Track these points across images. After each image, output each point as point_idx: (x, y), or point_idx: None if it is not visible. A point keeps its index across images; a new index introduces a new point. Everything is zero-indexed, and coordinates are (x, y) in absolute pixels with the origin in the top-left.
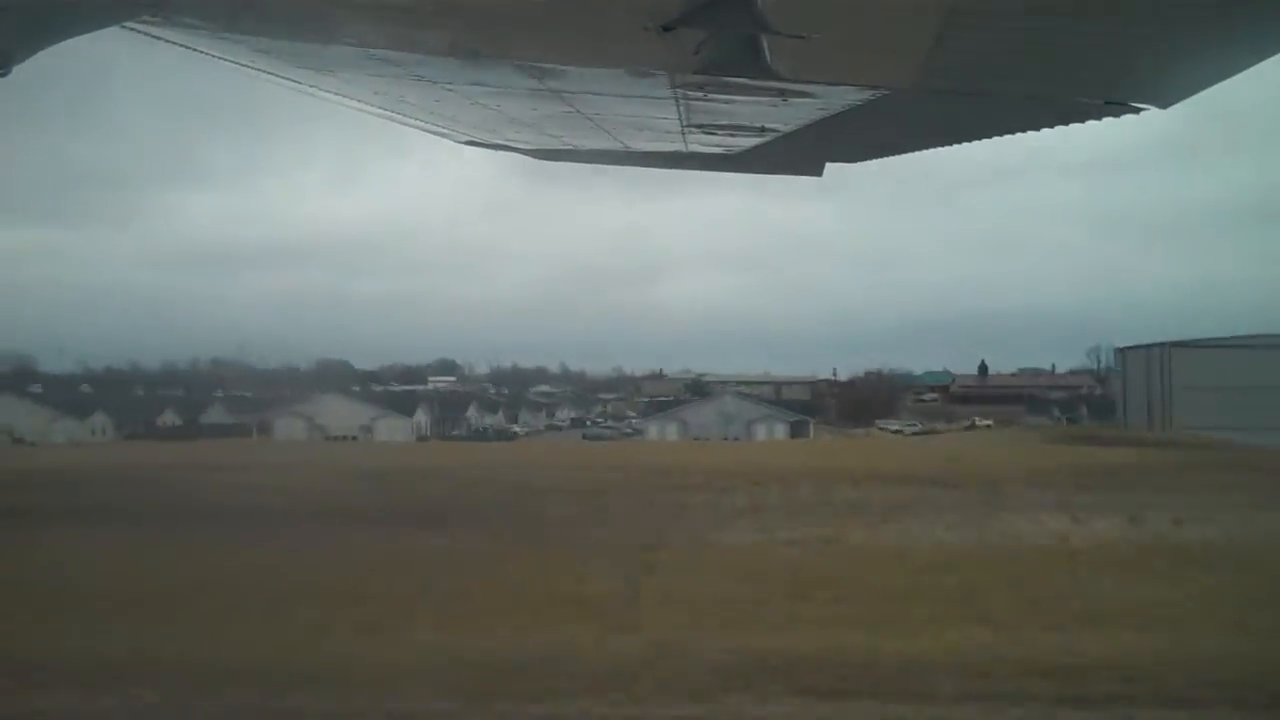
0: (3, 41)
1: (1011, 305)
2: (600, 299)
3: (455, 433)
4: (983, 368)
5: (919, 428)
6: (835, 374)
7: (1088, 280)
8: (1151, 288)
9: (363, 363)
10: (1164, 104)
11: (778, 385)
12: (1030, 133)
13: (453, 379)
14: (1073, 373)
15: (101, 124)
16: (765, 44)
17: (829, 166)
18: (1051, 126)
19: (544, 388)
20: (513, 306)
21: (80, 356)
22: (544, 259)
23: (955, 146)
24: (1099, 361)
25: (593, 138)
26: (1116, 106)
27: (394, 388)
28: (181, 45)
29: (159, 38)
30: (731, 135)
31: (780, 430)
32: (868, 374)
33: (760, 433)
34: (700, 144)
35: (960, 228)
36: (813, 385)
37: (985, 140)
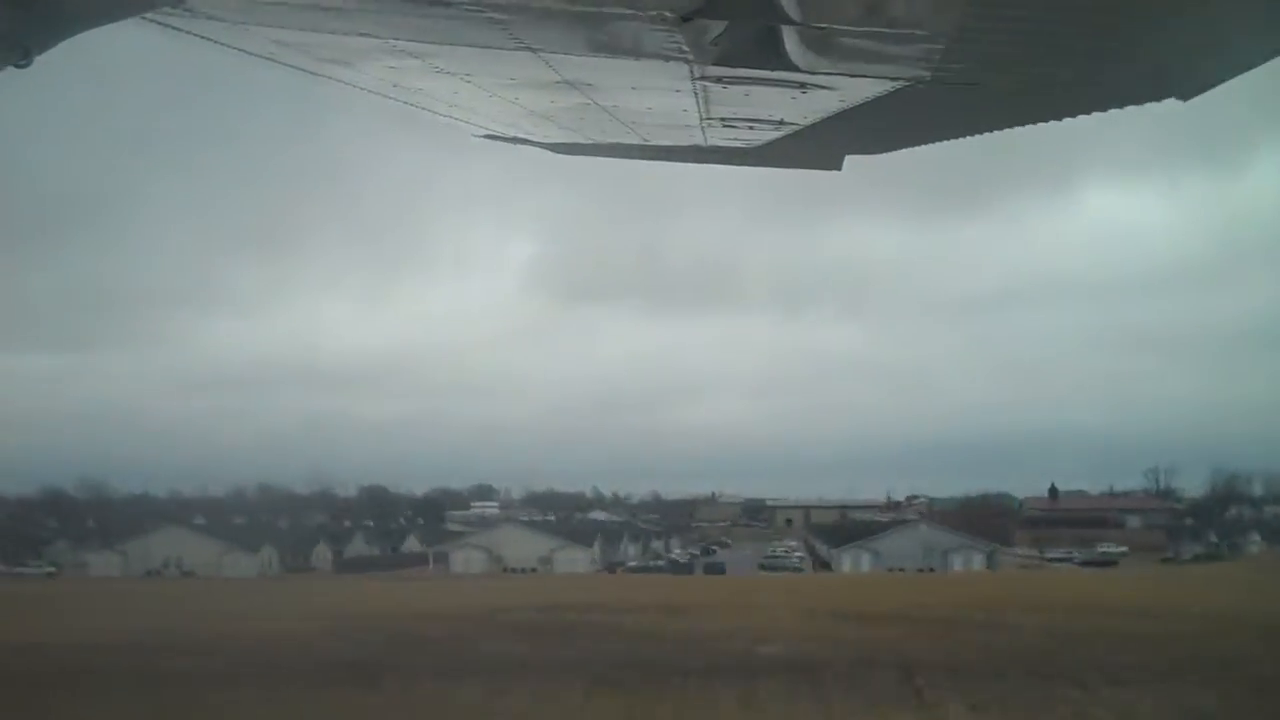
0: (23, 32)
1: (1040, 426)
2: (615, 423)
3: (630, 563)
4: (1053, 490)
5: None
6: (899, 498)
7: (1117, 401)
8: (1187, 409)
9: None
10: (1185, 96)
11: (843, 510)
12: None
13: (494, 504)
14: (1135, 494)
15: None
16: (785, 35)
17: (848, 159)
18: (1073, 116)
19: (599, 514)
20: (529, 430)
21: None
22: (563, 382)
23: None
24: (1158, 482)
25: (610, 131)
26: (1139, 96)
27: (548, 517)
28: (200, 36)
29: (178, 29)
30: (750, 128)
31: (977, 560)
32: (969, 498)
33: (956, 563)
34: (719, 137)
35: (983, 349)
36: (885, 510)
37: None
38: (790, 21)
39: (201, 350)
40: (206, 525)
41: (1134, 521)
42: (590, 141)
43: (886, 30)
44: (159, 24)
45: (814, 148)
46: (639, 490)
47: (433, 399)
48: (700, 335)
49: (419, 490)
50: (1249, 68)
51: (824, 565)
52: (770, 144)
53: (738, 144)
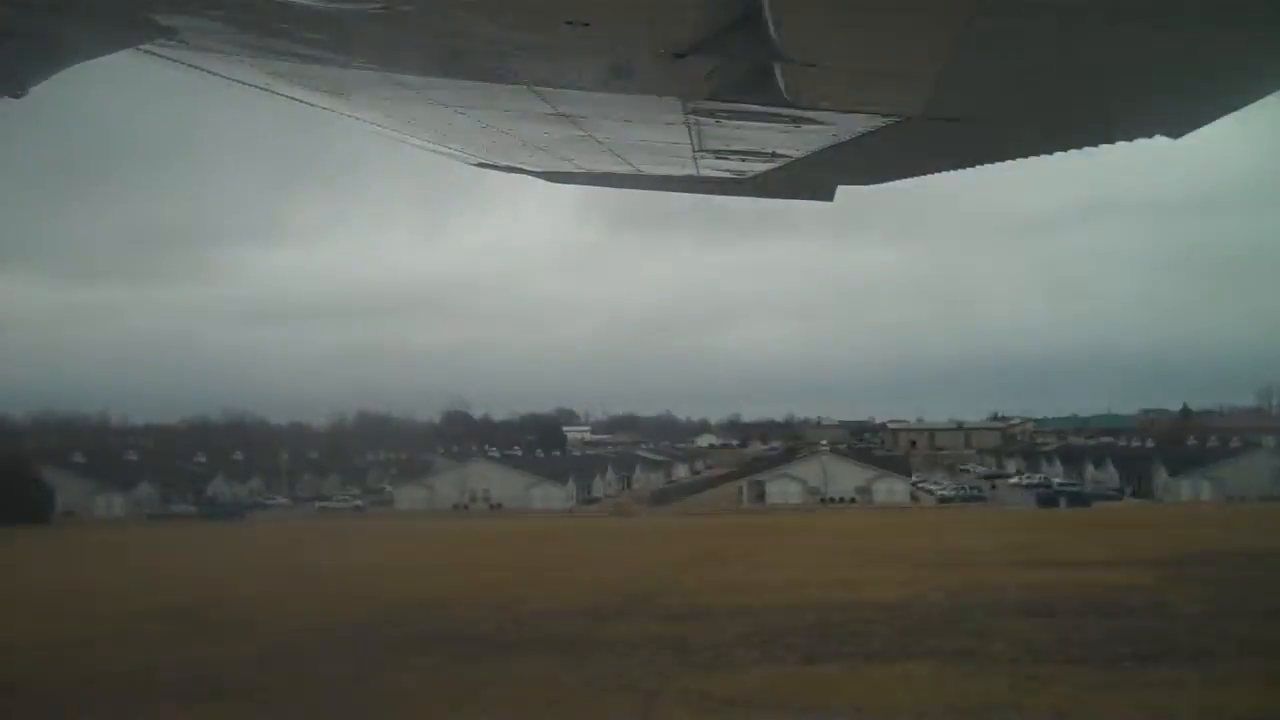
0: (18, 66)
1: (1096, 347)
2: (660, 348)
3: (943, 491)
4: (1186, 410)
5: None
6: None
7: (1161, 321)
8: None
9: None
10: (1176, 134)
11: (967, 432)
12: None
13: (585, 428)
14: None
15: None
16: (778, 71)
17: (840, 190)
18: (1064, 150)
19: (709, 438)
20: (580, 355)
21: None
22: (611, 308)
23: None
24: (1272, 400)
25: (604, 161)
26: (1127, 134)
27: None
28: (194, 68)
29: (172, 59)
30: (743, 160)
31: None
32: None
33: None
34: (711, 168)
35: (1043, 270)
36: (1003, 432)
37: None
38: (782, 59)
39: (263, 282)
40: (501, 456)
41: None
42: (584, 171)
43: (877, 68)
44: (154, 55)
45: (806, 179)
46: (694, 412)
47: (485, 327)
48: (749, 260)
49: (496, 415)
50: (1239, 106)
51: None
52: (762, 175)
53: (729, 175)
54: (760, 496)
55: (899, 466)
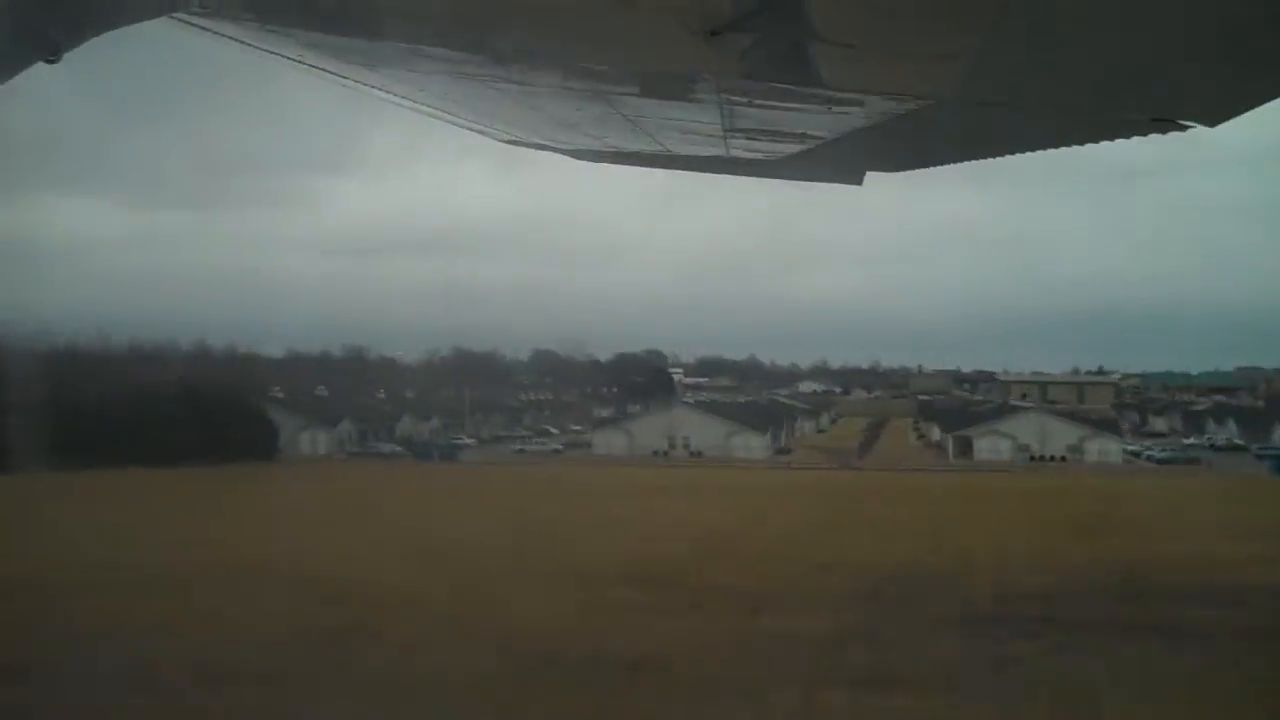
0: (53, 29)
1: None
2: (737, 290)
3: (1153, 452)
4: None
5: None
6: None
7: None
8: None
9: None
10: (1212, 122)
11: (1080, 387)
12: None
13: (677, 370)
14: None
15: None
16: (812, 52)
17: (869, 176)
18: (1096, 141)
19: (810, 384)
20: (648, 295)
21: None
22: (689, 249)
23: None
24: None
25: (633, 140)
26: (1162, 123)
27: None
28: (228, 37)
29: (206, 29)
30: (773, 141)
31: None
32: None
33: None
34: (741, 149)
35: (1120, 219)
36: (1117, 387)
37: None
38: (818, 39)
39: (336, 213)
40: (693, 402)
41: None
42: (612, 150)
43: (912, 50)
44: (188, 24)
45: (835, 163)
46: (775, 357)
47: (558, 265)
48: (827, 201)
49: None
50: (1277, 94)
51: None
52: (791, 157)
53: (759, 156)
54: (965, 452)
55: (1109, 426)
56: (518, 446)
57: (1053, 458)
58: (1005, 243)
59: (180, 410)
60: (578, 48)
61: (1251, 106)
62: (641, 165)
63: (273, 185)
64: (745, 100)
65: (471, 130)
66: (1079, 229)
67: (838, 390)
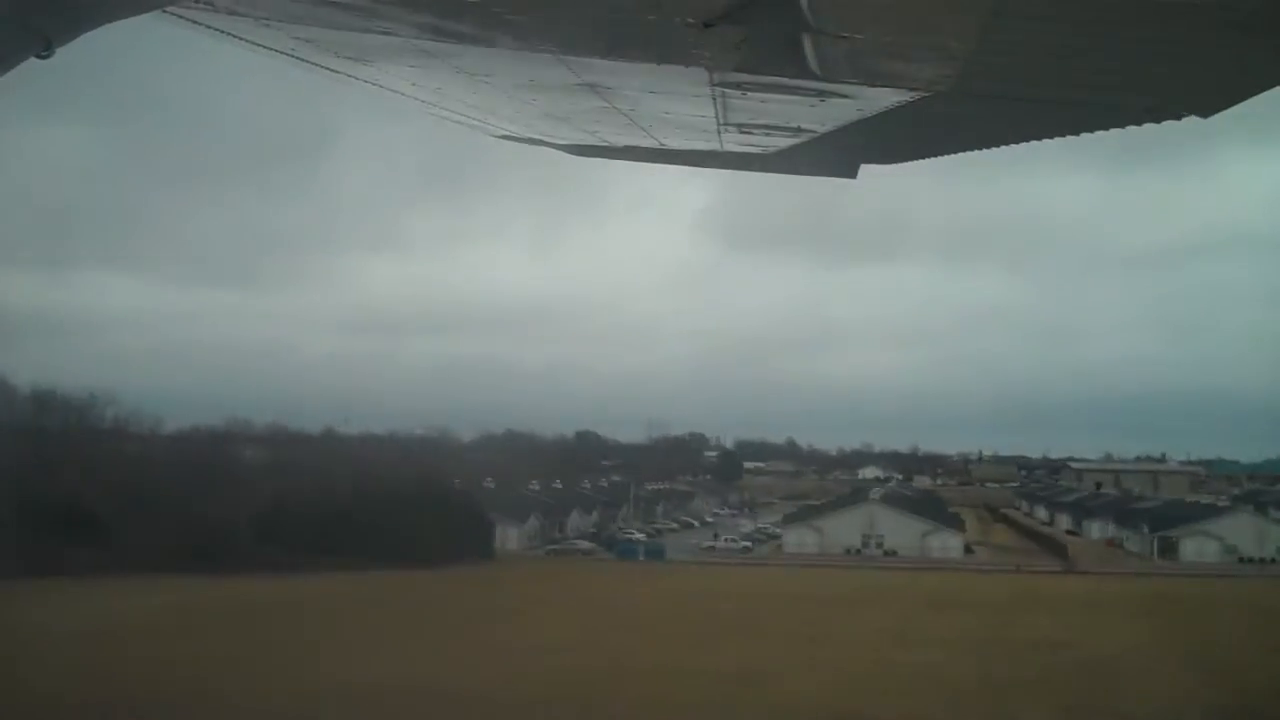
0: (45, 24)
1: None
2: (767, 371)
3: None
4: None
5: None
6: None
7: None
8: None
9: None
10: (1206, 113)
11: (1154, 476)
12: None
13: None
14: None
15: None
16: (806, 43)
17: (863, 168)
18: (1091, 131)
19: (872, 470)
20: (668, 378)
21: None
22: (716, 329)
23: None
24: None
25: (627, 134)
26: (1155, 113)
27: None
28: (221, 31)
29: (199, 23)
30: (767, 134)
31: None
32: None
33: None
34: (735, 143)
35: (1143, 307)
36: (1191, 477)
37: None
38: (811, 30)
39: (365, 291)
40: (883, 496)
41: None
42: (607, 144)
43: (907, 41)
44: (181, 18)
45: (829, 156)
46: (805, 439)
47: (587, 344)
48: (859, 283)
49: (623, 437)
50: (1272, 85)
51: None
52: (785, 151)
53: (754, 150)
54: (1169, 552)
55: None
56: (707, 544)
57: (1263, 560)
58: (1039, 327)
59: (414, 507)
60: (572, 42)
61: (1245, 97)
62: (636, 160)
63: (299, 264)
64: (739, 93)
65: (465, 124)
66: (1116, 313)
67: (899, 477)
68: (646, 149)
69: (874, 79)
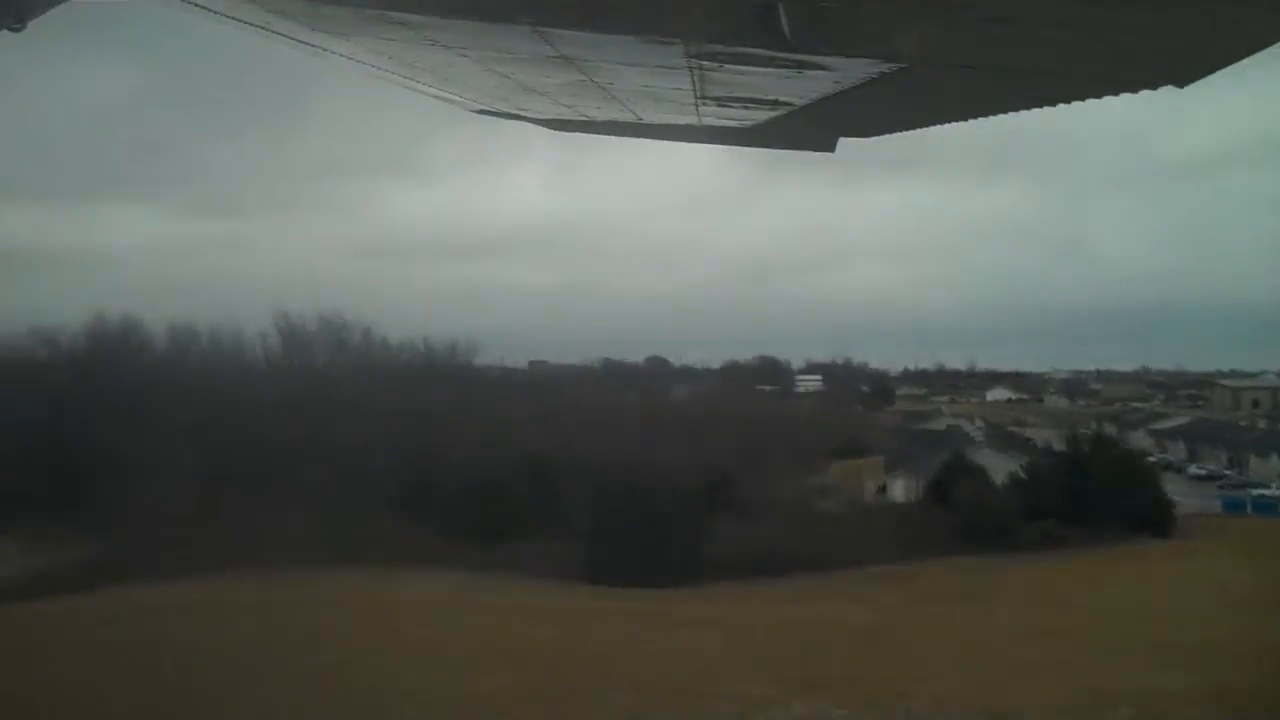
0: None
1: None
2: (770, 291)
3: None
4: None
5: None
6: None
7: None
8: None
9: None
10: (1182, 82)
11: None
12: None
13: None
14: None
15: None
16: (783, 12)
17: (842, 142)
18: (1068, 101)
19: (1002, 391)
20: (675, 303)
21: None
22: (726, 252)
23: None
24: None
25: (605, 108)
26: (1136, 82)
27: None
28: (194, 4)
29: None
30: (745, 108)
31: None
32: None
33: None
34: (713, 117)
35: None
36: None
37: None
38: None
39: (379, 218)
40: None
41: None
42: (584, 119)
43: (883, 10)
44: None
45: (808, 129)
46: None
47: (599, 267)
48: (853, 202)
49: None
50: (1250, 53)
51: None
52: (763, 125)
53: (732, 124)
54: None
55: None
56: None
57: None
58: (1062, 240)
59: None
60: (547, 13)
61: (1219, 67)
62: (615, 135)
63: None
64: (716, 65)
65: (441, 99)
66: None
67: (1026, 398)
68: (625, 123)
69: (851, 50)
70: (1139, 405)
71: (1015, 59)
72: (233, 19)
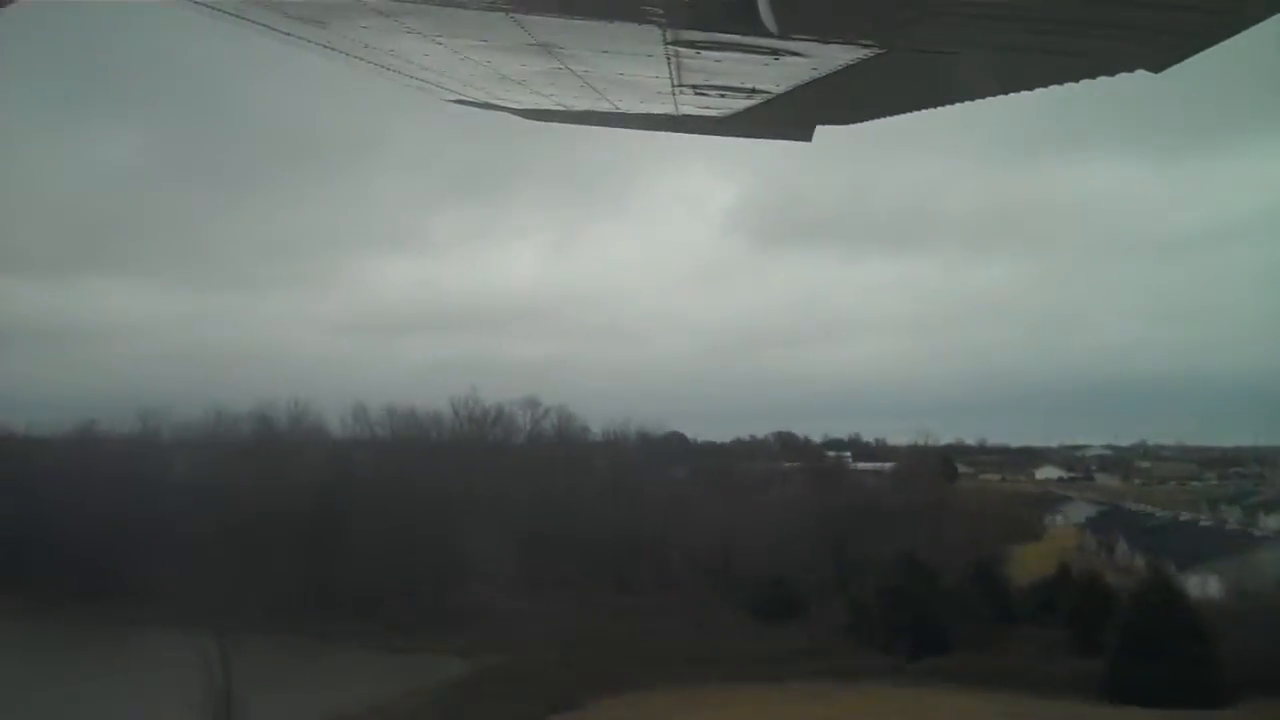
0: None
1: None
2: (759, 364)
3: None
4: None
5: None
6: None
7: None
8: None
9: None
10: (1157, 68)
11: None
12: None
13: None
14: None
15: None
16: None
17: (819, 130)
18: (1045, 86)
19: (1051, 470)
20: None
21: None
22: (710, 326)
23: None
24: None
25: (582, 97)
26: (1110, 67)
27: None
28: None
29: None
30: (722, 96)
31: None
32: None
33: None
34: (690, 105)
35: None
36: None
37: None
38: None
39: (372, 292)
40: None
41: None
42: (562, 108)
43: None
44: None
45: (785, 116)
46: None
47: (570, 341)
48: (839, 277)
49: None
50: (1223, 38)
51: None
52: (741, 113)
53: (710, 112)
54: None
55: None
56: None
57: None
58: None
59: None
60: (524, 1)
61: (1193, 52)
62: (593, 124)
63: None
64: (693, 53)
65: (420, 87)
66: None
67: (1078, 476)
68: (602, 113)
69: (826, 35)
70: (1195, 483)
71: (991, 43)
72: (209, 7)
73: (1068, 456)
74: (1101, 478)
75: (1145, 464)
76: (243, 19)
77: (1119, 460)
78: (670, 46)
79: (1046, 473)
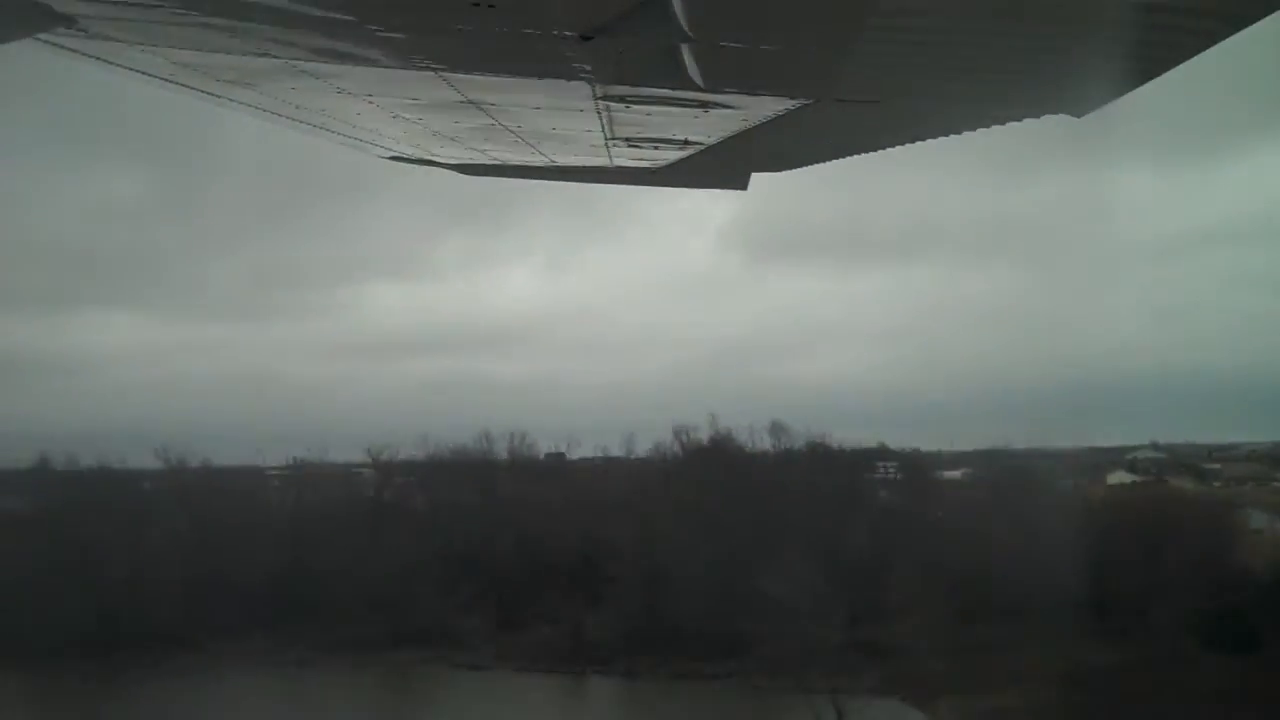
0: None
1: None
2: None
3: None
4: None
5: None
6: None
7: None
8: None
9: None
10: (1079, 113)
11: None
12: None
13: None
14: None
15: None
16: (686, 54)
17: (754, 177)
18: (972, 130)
19: (1123, 476)
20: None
21: None
22: (701, 336)
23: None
24: None
25: (516, 151)
26: (1033, 111)
27: None
28: (96, 58)
29: (74, 50)
30: (655, 148)
31: None
32: None
33: None
34: (625, 158)
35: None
36: None
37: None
38: (690, 40)
39: (370, 318)
40: None
41: None
42: (496, 163)
43: (783, 50)
44: (54, 45)
45: (719, 167)
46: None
47: (577, 357)
48: (827, 289)
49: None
50: (1140, 83)
51: None
52: (676, 164)
53: (644, 164)
54: None
55: None
56: None
57: None
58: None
59: None
60: (451, 58)
61: (1113, 98)
62: (530, 179)
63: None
64: (623, 106)
65: (353, 145)
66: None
67: (1149, 479)
68: (539, 167)
69: (754, 88)
70: (1276, 484)
71: (918, 93)
72: (138, 71)
73: (1119, 459)
74: (1177, 482)
75: (1214, 465)
76: (174, 83)
77: (1175, 463)
78: (601, 101)
79: (1119, 477)
